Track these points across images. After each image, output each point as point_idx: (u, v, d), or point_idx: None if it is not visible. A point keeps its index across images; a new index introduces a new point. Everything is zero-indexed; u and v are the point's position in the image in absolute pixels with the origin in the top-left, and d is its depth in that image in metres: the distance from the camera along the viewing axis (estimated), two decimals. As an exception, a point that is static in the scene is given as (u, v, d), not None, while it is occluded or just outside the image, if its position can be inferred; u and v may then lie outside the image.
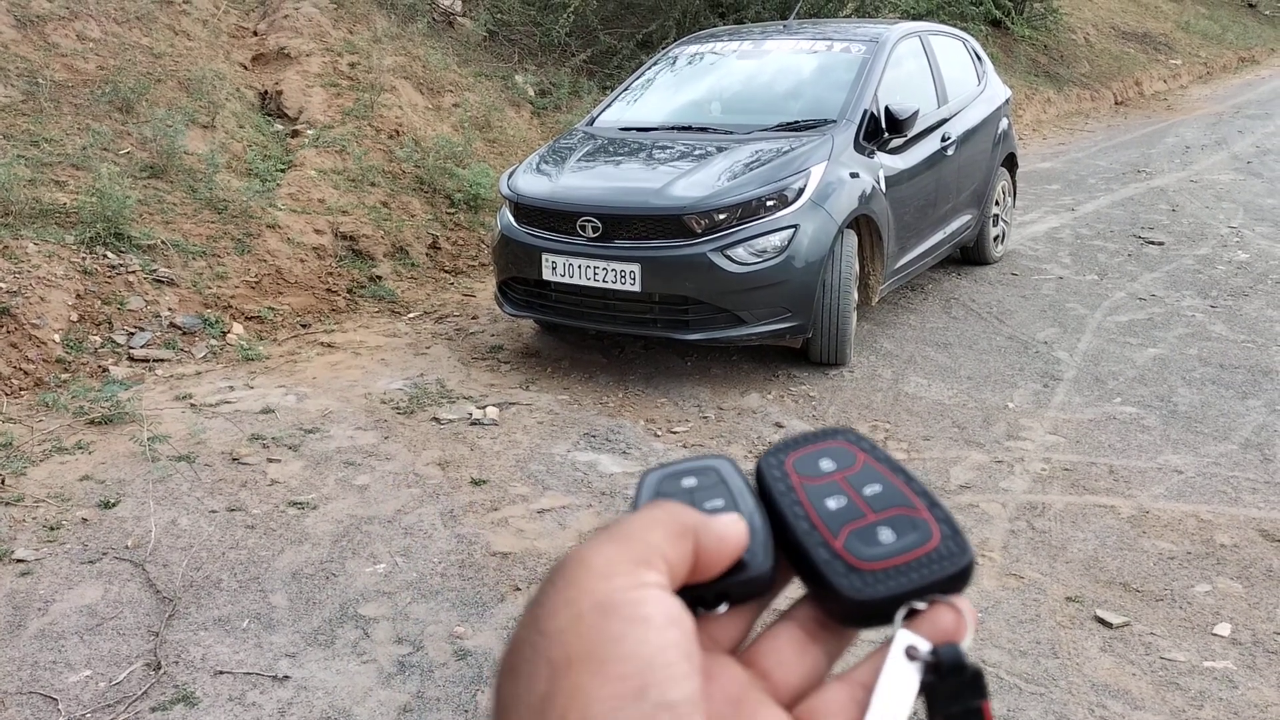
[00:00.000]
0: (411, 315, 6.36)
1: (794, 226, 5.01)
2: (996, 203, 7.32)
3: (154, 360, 5.36)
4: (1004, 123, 7.36)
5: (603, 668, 0.41)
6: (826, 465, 0.52)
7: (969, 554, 0.48)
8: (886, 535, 0.48)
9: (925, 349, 5.75)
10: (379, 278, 6.76)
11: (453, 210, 7.59)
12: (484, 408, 4.94)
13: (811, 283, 5.06)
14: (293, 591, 3.49)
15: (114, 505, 4.01)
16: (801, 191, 5.08)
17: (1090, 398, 5.08)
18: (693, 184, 5.07)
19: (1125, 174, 10.73)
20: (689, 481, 0.52)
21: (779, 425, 4.77)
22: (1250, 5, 25.53)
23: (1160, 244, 7.92)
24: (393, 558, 3.69)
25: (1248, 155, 11.66)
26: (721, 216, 4.97)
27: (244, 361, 5.50)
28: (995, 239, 7.39)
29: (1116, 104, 16.32)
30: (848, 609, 0.48)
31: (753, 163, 5.22)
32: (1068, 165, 11.30)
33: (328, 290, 6.49)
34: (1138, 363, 5.53)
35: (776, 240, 4.99)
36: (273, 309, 6.10)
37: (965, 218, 6.84)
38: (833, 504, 0.50)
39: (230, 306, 5.96)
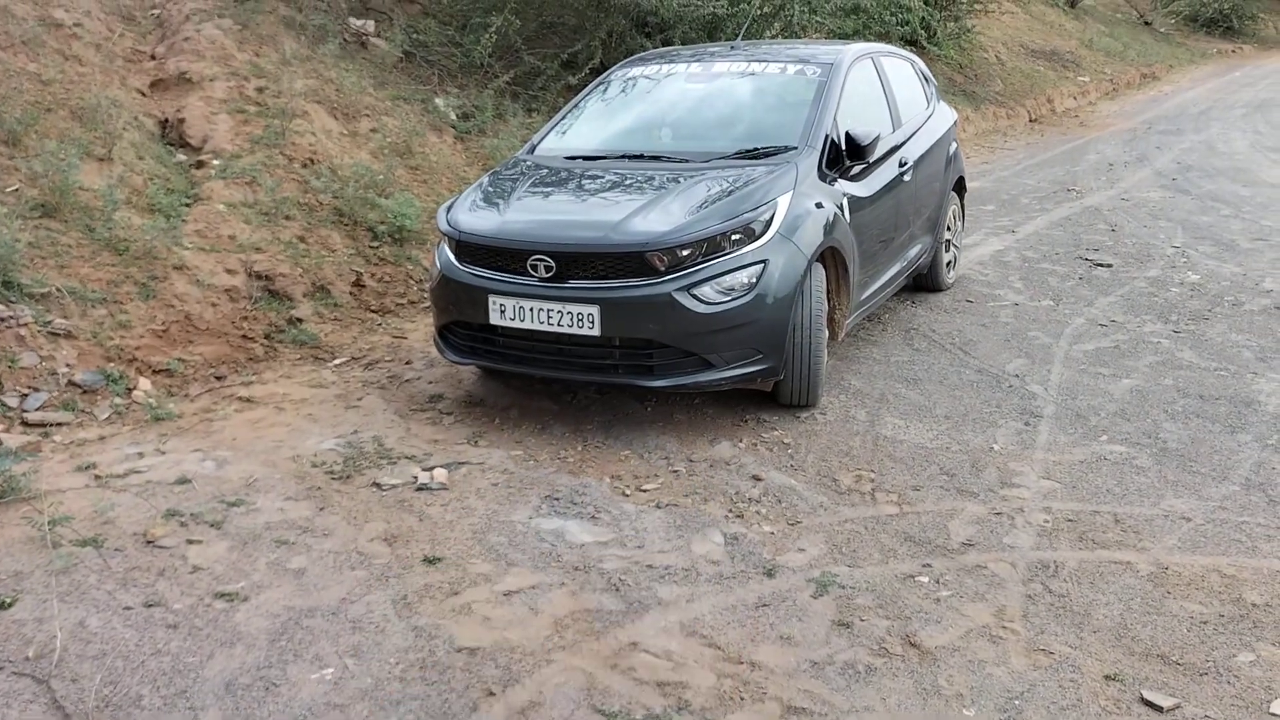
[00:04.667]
0: (338, 361, 5.84)
1: (763, 262, 4.65)
2: (948, 228, 7.08)
3: (51, 424, 4.75)
4: (953, 145, 7.14)
5: None
6: None
7: None
8: None
9: (895, 385, 5.44)
10: (299, 320, 6.21)
11: (376, 244, 7.07)
12: (430, 469, 4.46)
13: (783, 321, 4.70)
14: (228, 708, 2.98)
15: (10, 605, 3.43)
16: (769, 224, 4.72)
17: (1075, 436, 4.81)
18: (653, 218, 4.67)
19: (1056, 193, 10.67)
20: None
21: (756, 478, 4.39)
22: (1146, 24, 26.26)
23: (1108, 266, 7.78)
24: (341, 659, 3.20)
25: (1171, 172, 11.74)
26: (686, 253, 4.58)
27: (153, 422, 4.92)
28: (948, 265, 7.16)
29: (1031, 121, 16.46)
30: None
31: (715, 194, 4.84)
32: (997, 184, 11.22)
33: (243, 337, 5.92)
34: (1115, 395, 5.29)
35: (745, 277, 4.62)
36: (183, 360, 5.52)
37: (922, 244, 6.58)
38: None
39: (135, 359, 5.36)
